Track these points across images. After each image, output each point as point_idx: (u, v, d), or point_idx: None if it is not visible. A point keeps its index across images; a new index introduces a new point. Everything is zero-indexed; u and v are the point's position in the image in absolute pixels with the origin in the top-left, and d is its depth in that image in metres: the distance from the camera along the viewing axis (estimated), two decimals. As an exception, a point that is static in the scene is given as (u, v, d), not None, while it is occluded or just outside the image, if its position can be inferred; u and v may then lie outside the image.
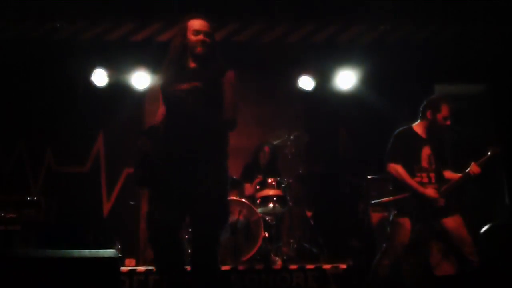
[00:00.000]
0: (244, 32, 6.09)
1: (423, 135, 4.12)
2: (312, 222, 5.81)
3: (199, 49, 2.98)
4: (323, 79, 6.47)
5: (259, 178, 5.65)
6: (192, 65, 3.03)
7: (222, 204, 2.92)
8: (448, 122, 4.06)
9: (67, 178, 6.27)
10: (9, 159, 6.25)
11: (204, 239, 2.84)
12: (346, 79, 6.30)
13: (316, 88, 6.44)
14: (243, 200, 5.26)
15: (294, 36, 6.20)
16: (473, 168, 3.94)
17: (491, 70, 6.66)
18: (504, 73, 6.59)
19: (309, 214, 5.70)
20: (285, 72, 6.46)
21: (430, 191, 3.95)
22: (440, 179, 4.04)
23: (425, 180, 4.01)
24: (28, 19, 6.02)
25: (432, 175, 4.03)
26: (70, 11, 5.88)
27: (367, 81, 6.33)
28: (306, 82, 6.40)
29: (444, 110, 4.05)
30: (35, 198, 5.35)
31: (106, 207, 6.26)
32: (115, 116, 6.27)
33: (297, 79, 6.39)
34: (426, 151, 4.06)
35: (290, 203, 5.42)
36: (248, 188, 5.72)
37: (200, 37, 2.98)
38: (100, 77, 6.01)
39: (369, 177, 5.12)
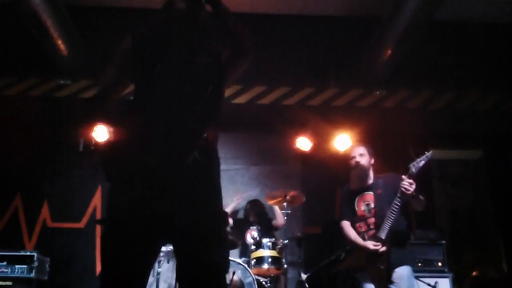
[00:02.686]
0: (244, 94, 6.22)
1: (354, 186, 4.20)
2: (307, 286, 5.72)
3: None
4: (320, 140, 6.56)
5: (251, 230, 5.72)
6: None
7: (222, 240, 2.21)
8: (352, 162, 4.16)
9: (62, 233, 6.22)
10: (5, 213, 6.23)
11: None
12: (342, 141, 6.38)
13: (313, 149, 6.52)
14: (237, 260, 5.21)
15: (292, 98, 6.35)
16: (404, 184, 3.74)
17: (486, 137, 6.78)
18: (497, 140, 6.71)
19: (304, 276, 5.61)
20: (282, 132, 6.56)
21: (369, 243, 3.87)
22: (382, 223, 3.87)
23: (364, 228, 4.02)
24: (31, 77, 6.20)
25: (371, 221, 3.99)
26: (73, 70, 6.07)
27: (363, 143, 6.40)
28: (303, 143, 6.49)
29: (350, 152, 4.25)
30: (28, 253, 5.29)
31: (99, 264, 6.17)
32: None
33: (295, 140, 6.49)
34: (361, 200, 4.10)
35: (285, 265, 5.35)
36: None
37: None
38: (100, 133, 6.09)
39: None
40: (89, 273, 6.09)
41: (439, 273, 4.79)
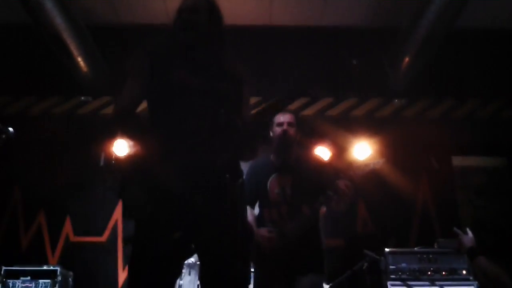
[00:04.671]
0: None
1: (273, 159, 3.45)
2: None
3: None
4: (339, 150, 6.53)
5: None
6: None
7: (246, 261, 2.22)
8: (279, 130, 3.38)
9: (85, 248, 6.27)
10: (29, 230, 6.32)
11: None
12: (362, 150, 6.33)
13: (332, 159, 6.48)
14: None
15: (310, 109, 6.34)
16: (340, 183, 3.13)
17: (510, 145, 6.67)
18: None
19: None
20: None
21: (263, 231, 3.17)
22: (297, 214, 3.23)
23: (274, 216, 3.31)
24: (54, 95, 6.33)
25: (284, 209, 3.29)
26: (94, 87, 6.18)
27: (383, 153, 6.36)
28: (322, 153, 6.45)
29: (276, 118, 3.42)
30: (51, 267, 5.35)
31: (121, 277, 6.19)
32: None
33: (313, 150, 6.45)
34: (276, 180, 3.38)
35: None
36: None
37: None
38: (120, 148, 6.15)
39: (387, 250, 5.02)
40: (112, 286, 6.11)
41: (464, 281, 4.71)
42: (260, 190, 3.37)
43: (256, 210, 3.51)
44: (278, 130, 3.42)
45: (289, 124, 3.44)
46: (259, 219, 3.40)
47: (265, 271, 3.16)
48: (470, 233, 3.29)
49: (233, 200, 2.12)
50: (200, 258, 2.20)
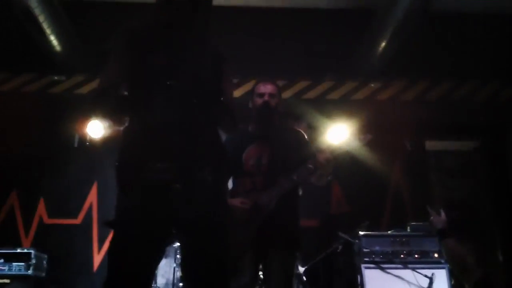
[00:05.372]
0: (239, 88, 6.20)
1: (251, 129, 3.32)
2: (304, 279, 5.73)
3: None
4: (315, 133, 6.55)
5: None
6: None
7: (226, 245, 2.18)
8: (260, 101, 3.24)
9: (59, 230, 6.21)
10: (0, 211, 6.22)
11: None
12: (337, 132, 6.37)
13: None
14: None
15: (288, 92, 6.33)
16: (320, 156, 3.07)
17: (482, 127, 6.78)
18: (494, 130, 6.71)
19: (301, 269, 5.63)
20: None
21: (235, 201, 3.04)
22: (273, 185, 3.10)
23: (248, 187, 3.16)
24: (26, 73, 6.18)
25: (258, 180, 3.16)
26: (68, 66, 6.05)
27: (358, 136, 6.40)
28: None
29: (257, 88, 3.31)
30: (25, 250, 5.29)
31: (97, 260, 6.17)
32: (110, 168, 6.29)
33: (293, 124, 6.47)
34: (253, 150, 3.24)
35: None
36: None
37: None
38: (95, 129, 6.07)
39: (361, 233, 5.10)
40: (87, 268, 6.09)
41: (436, 264, 4.80)
42: (235, 161, 3.18)
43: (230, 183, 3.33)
44: (259, 100, 3.28)
45: (271, 95, 3.29)
46: (233, 190, 3.26)
47: (236, 242, 2.89)
48: (443, 214, 3.31)
49: (214, 188, 2.12)
50: (182, 241, 2.20)
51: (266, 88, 3.30)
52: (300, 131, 3.40)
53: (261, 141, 3.24)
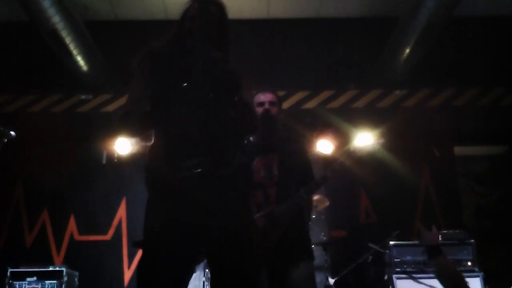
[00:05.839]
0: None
1: (256, 140, 3.23)
2: (335, 290, 5.68)
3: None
4: (342, 142, 6.51)
5: None
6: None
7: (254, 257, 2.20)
8: (260, 110, 3.16)
9: (89, 246, 6.28)
10: (33, 229, 6.32)
11: None
12: (364, 141, 6.31)
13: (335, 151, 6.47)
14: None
15: (312, 102, 6.33)
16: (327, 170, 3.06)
17: (511, 132, 6.66)
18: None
19: (331, 281, 5.58)
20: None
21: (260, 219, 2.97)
22: (286, 196, 3.05)
23: (260, 199, 3.08)
24: (54, 93, 6.33)
25: (271, 191, 3.09)
26: (93, 85, 6.18)
27: (386, 144, 6.34)
28: (325, 146, 6.44)
29: (257, 98, 3.21)
30: (57, 268, 5.36)
31: (127, 276, 6.22)
32: (138, 183, 6.36)
33: (316, 143, 6.45)
34: (261, 161, 3.16)
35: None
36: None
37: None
38: (123, 146, 6.14)
39: (391, 243, 5.03)
40: (118, 284, 6.12)
41: (469, 272, 4.70)
42: None
43: None
44: (259, 110, 3.20)
45: (271, 103, 3.24)
46: None
47: None
48: (434, 230, 3.09)
49: (239, 192, 2.15)
50: (209, 257, 2.19)
51: (266, 97, 3.26)
52: (302, 140, 3.37)
53: (267, 151, 3.19)
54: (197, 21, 2.21)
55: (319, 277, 5.75)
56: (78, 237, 6.32)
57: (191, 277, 2.23)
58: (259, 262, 2.24)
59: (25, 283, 5.12)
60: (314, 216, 5.61)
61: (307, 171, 3.21)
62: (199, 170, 2.06)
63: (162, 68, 2.24)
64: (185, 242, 2.08)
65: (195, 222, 2.07)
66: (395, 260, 4.87)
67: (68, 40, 5.48)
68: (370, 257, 5.09)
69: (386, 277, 4.97)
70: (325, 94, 6.36)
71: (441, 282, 2.93)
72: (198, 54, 2.15)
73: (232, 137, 2.19)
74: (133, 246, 2.35)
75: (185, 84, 2.16)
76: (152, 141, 2.23)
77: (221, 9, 2.34)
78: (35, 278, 5.19)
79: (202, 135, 2.11)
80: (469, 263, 4.78)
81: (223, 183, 2.11)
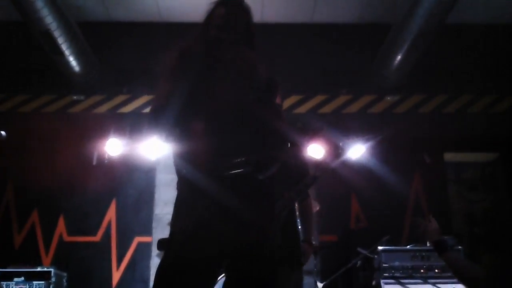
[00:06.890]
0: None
1: None
2: (324, 294, 5.68)
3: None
4: (333, 147, 6.52)
5: None
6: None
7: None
8: None
9: (78, 247, 6.25)
10: (22, 229, 6.29)
11: None
12: (355, 148, 6.34)
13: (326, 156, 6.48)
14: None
15: (304, 106, 6.35)
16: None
17: (501, 139, 6.70)
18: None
19: (320, 285, 5.58)
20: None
21: None
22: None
23: None
24: (46, 94, 6.31)
25: None
26: (86, 85, 6.17)
27: (376, 150, 6.37)
28: (316, 151, 6.45)
29: None
30: (45, 269, 5.33)
31: (116, 277, 6.20)
32: (128, 185, 6.36)
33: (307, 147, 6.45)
34: None
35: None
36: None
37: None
38: (113, 147, 6.13)
39: (380, 248, 5.04)
40: (106, 286, 6.11)
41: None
42: None
43: None
44: None
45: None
46: None
47: None
48: (434, 221, 2.96)
49: (264, 201, 2.11)
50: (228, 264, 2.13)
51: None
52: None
53: None
54: (225, 31, 2.22)
55: (307, 281, 5.76)
56: (67, 238, 6.30)
57: (215, 284, 2.18)
58: (277, 276, 2.11)
59: (12, 283, 5.11)
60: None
61: (296, 173, 3.19)
62: (241, 170, 2.02)
63: (196, 68, 2.20)
64: (213, 248, 2.04)
65: (223, 229, 2.03)
66: (384, 265, 4.89)
67: (61, 40, 5.46)
68: (359, 262, 5.10)
69: (374, 282, 4.99)
70: (318, 99, 6.38)
71: (456, 277, 2.87)
72: (233, 54, 2.13)
73: (273, 140, 2.16)
74: (159, 246, 2.30)
75: (224, 84, 2.12)
76: (181, 140, 2.19)
77: (248, 12, 2.36)
78: (22, 278, 5.17)
79: (245, 136, 2.07)
80: (457, 269, 4.79)
81: (258, 188, 2.08)
